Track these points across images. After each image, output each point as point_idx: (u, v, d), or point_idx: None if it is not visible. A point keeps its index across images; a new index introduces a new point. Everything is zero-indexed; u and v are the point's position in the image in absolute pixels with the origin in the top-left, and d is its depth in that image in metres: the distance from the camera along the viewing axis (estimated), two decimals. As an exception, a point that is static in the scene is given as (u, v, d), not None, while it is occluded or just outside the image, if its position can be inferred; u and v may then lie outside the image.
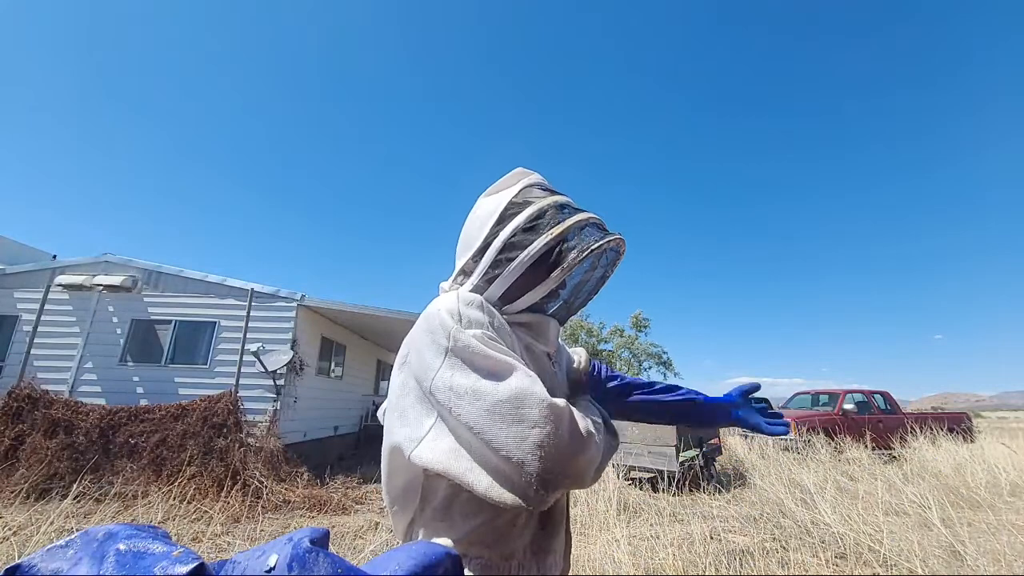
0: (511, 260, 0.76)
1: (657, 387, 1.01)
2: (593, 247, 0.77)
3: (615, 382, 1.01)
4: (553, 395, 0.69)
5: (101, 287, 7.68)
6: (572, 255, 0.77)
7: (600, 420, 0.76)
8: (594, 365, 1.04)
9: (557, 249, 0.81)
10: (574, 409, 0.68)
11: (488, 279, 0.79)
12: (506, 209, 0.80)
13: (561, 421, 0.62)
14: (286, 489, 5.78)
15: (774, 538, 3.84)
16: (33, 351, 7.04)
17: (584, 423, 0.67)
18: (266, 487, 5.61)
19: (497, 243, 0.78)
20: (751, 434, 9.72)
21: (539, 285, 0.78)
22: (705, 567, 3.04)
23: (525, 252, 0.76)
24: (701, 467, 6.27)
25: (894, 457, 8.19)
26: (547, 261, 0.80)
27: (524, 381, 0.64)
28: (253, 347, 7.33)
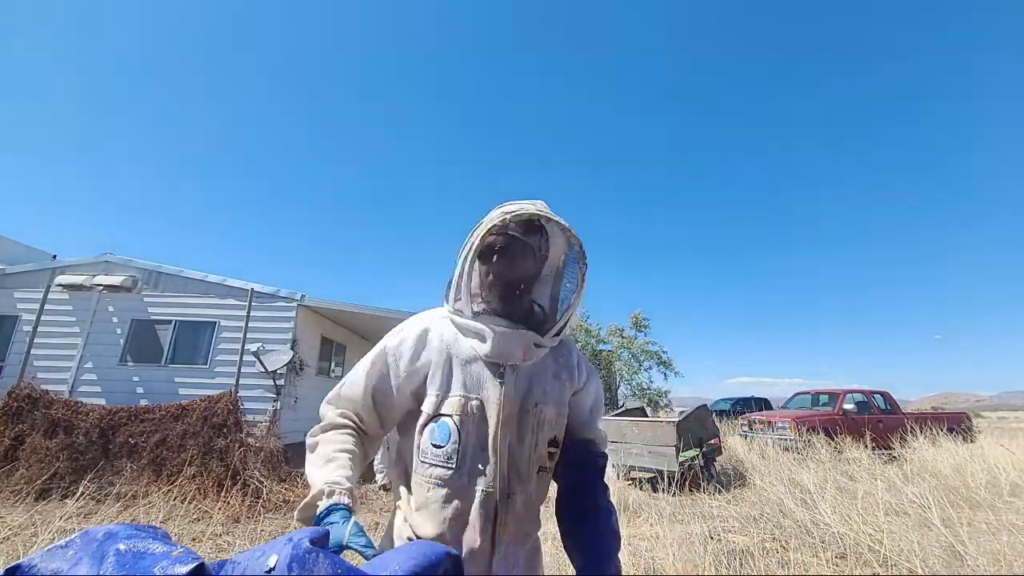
0: (456, 276, 0.91)
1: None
2: (475, 241, 0.89)
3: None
4: (485, 405, 0.86)
5: (101, 287, 7.68)
6: (465, 254, 0.90)
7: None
8: None
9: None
10: (323, 436, 0.88)
11: (455, 298, 0.93)
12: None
13: (312, 436, 0.88)
14: (286, 489, 5.78)
15: (774, 538, 3.84)
16: (33, 351, 7.04)
17: (312, 441, 0.88)
18: (266, 487, 5.61)
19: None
20: (751, 434, 9.71)
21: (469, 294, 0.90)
22: (705, 567, 3.03)
23: (457, 267, 0.90)
24: (701, 467, 6.27)
25: (894, 457, 8.18)
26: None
27: (332, 393, 0.95)
28: (253, 347, 7.32)
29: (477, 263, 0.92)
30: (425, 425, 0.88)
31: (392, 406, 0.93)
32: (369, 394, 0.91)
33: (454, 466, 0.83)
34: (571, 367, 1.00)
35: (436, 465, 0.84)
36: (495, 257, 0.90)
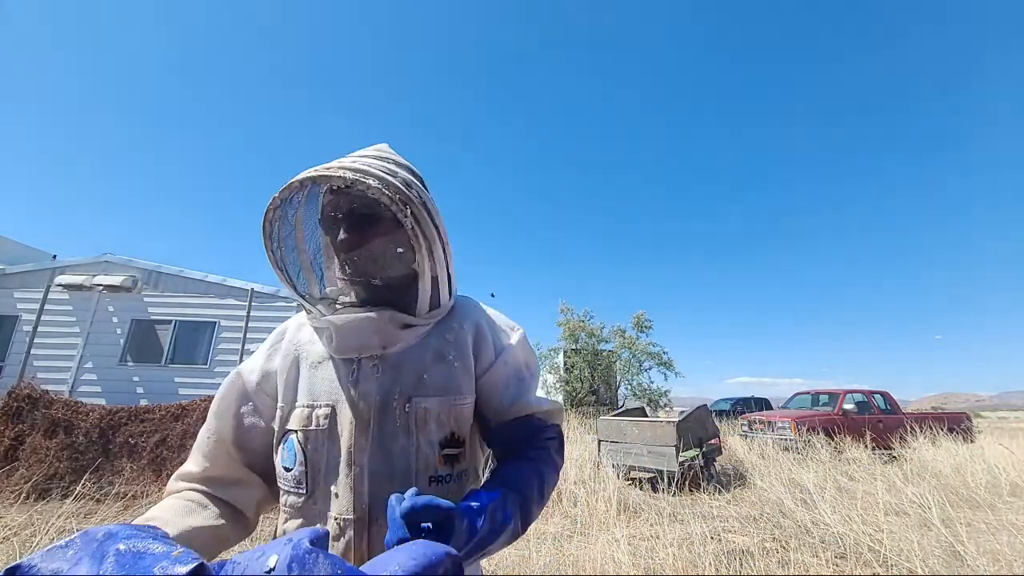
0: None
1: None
2: (263, 224, 0.70)
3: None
4: (336, 412, 0.68)
5: (101, 287, 7.68)
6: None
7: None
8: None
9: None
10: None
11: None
12: None
13: None
14: (286, 489, 5.79)
15: (774, 538, 3.84)
16: (33, 351, 7.04)
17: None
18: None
19: None
20: (751, 434, 9.72)
21: None
22: (705, 567, 3.03)
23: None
24: (701, 467, 6.27)
25: (894, 457, 8.19)
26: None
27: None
28: (253, 347, 7.33)
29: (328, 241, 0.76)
30: (278, 446, 0.72)
31: (261, 436, 0.74)
32: (227, 434, 0.73)
33: (305, 492, 0.68)
34: (463, 343, 0.76)
35: (288, 492, 0.69)
36: (336, 233, 0.71)
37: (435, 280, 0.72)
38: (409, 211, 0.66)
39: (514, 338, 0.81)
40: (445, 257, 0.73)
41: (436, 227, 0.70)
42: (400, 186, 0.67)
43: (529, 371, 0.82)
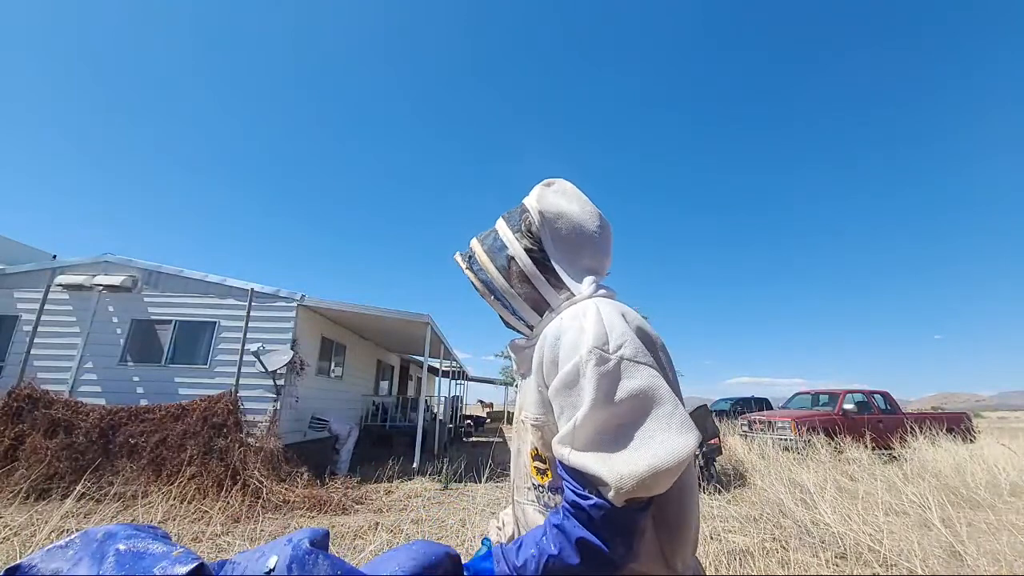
0: None
1: None
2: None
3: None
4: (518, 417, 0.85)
5: (101, 287, 7.68)
6: None
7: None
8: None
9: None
10: None
11: None
12: None
13: None
14: (286, 489, 5.78)
15: (774, 538, 3.84)
16: (33, 351, 7.03)
17: None
18: (266, 487, 5.61)
19: None
20: (751, 434, 9.72)
21: None
22: (705, 567, 3.03)
23: None
24: (701, 467, 6.27)
25: (894, 457, 8.18)
26: None
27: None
28: (253, 347, 7.32)
29: None
30: None
31: None
32: None
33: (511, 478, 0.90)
34: (537, 359, 0.72)
35: None
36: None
37: (511, 310, 0.84)
38: (471, 277, 0.87)
39: (558, 361, 0.66)
40: (508, 288, 0.83)
41: (483, 280, 0.85)
42: (459, 262, 0.90)
43: (560, 392, 0.64)
